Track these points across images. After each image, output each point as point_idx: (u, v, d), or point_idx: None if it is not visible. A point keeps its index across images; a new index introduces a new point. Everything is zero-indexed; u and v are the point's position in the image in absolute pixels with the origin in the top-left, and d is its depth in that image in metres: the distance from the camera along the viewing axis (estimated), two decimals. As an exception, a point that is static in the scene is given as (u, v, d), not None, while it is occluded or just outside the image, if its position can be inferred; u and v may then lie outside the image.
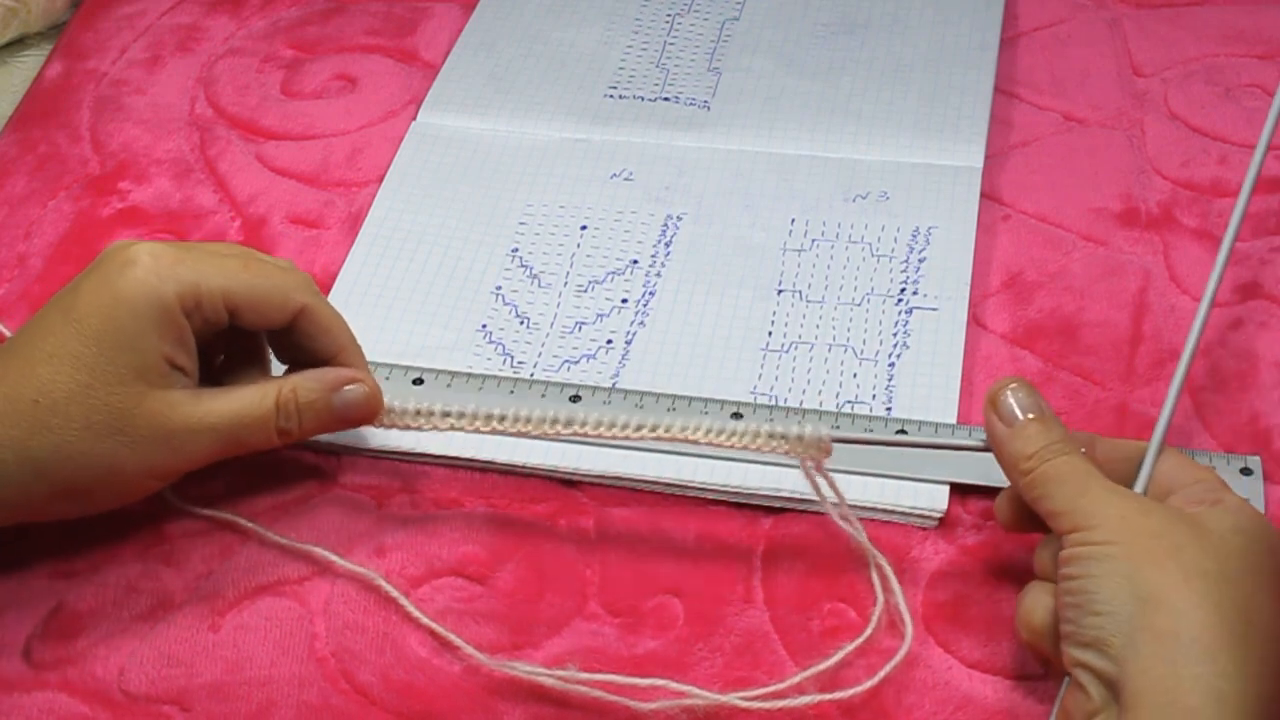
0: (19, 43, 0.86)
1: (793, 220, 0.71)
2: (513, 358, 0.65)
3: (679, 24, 0.83)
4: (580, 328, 0.67)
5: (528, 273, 0.69)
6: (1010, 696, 0.54)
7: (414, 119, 0.78)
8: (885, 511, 0.59)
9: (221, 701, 0.54)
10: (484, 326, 0.67)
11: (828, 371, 0.64)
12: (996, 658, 0.55)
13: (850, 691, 0.53)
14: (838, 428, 0.61)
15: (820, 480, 0.55)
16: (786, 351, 0.65)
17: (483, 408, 0.57)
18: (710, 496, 0.60)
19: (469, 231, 0.71)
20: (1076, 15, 0.83)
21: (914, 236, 0.69)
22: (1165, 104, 0.76)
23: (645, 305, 0.67)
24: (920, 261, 0.68)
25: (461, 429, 0.57)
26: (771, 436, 0.55)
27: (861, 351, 0.65)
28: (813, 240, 0.70)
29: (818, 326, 0.66)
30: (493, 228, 0.71)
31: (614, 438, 0.56)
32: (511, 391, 0.63)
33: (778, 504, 0.59)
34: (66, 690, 0.55)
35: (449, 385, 0.63)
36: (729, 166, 0.74)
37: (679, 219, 0.71)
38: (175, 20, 0.85)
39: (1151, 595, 0.47)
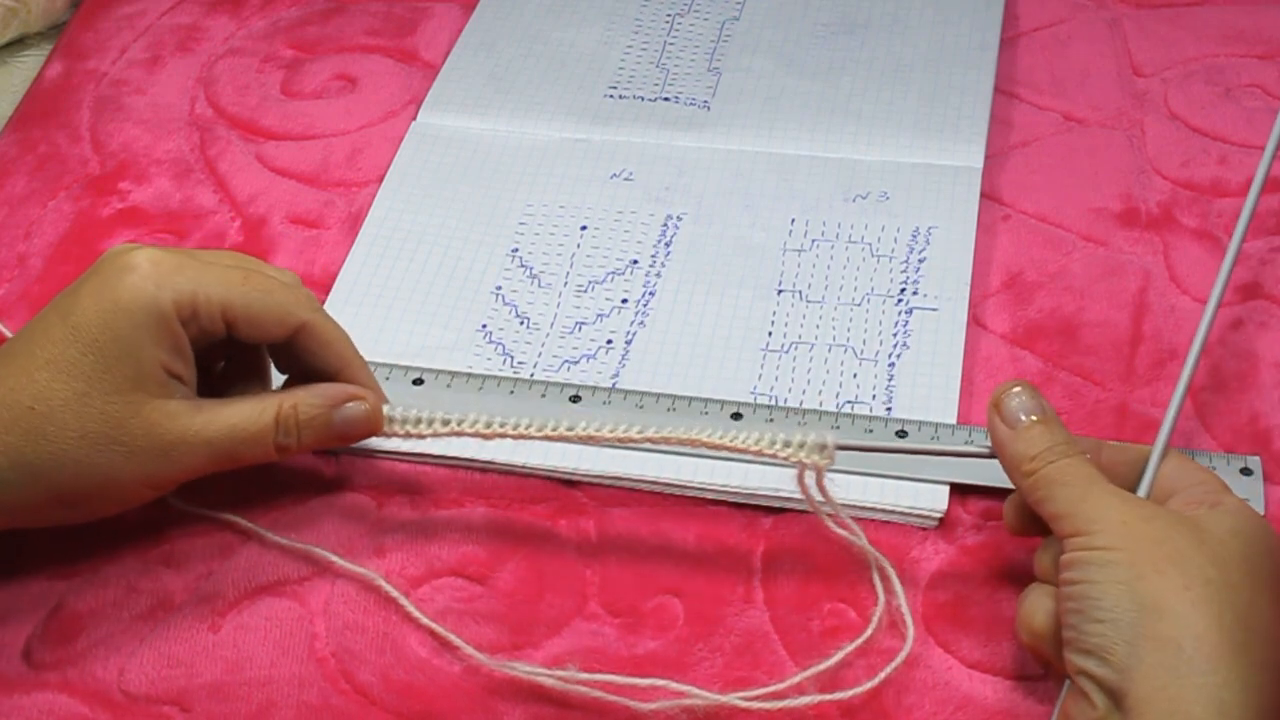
0: (19, 43, 0.86)
1: (793, 220, 0.71)
2: (513, 358, 0.65)
3: (679, 24, 0.83)
4: (580, 328, 0.67)
5: (528, 273, 0.69)
6: (1010, 697, 0.54)
7: (414, 119, 0.77)
8: (885, 512, 0.59)
9: (221, 702, 0.54)
10: (484, 326, 0.67)
11: (828, 372, 0.64)
12: (997, 658, 0.55)
13: (850, 692, 0.53)
14: (838, 428, 0.61)
15: (813, 488, 0.55)
16: (786, 351, 0.65)
17: (483, 414, 0.57)
18: (710, 497, 0.60)
19: (469, 231, 0.71)
20: (1076, 15, 0.83)
21: (914, 236, 0.69)
22: (1165, 104, 0.76)
23: (645, 305, 0.67)
24: (920, 262, 0.68)
25: (462, 434, 0.57)
26: (773, 443, 0.54)
27: (861, 351, 0.65)
28: (813, 240, 0.70)
29: (818, 326, 0.66)
30: (493, 228, 0.71)
31: (614, 441, 0.56)
32: (511, 392, 0.63)
33: (778, 504, 0.59)
34: (66, 691, 0.55)
35: (449, 385, 0.63)
36: (729, 166, 0.74)
37: (679, 219, 0.71)
38: (175, 20, 0.85)
39: (1153, 603, 0.47)
